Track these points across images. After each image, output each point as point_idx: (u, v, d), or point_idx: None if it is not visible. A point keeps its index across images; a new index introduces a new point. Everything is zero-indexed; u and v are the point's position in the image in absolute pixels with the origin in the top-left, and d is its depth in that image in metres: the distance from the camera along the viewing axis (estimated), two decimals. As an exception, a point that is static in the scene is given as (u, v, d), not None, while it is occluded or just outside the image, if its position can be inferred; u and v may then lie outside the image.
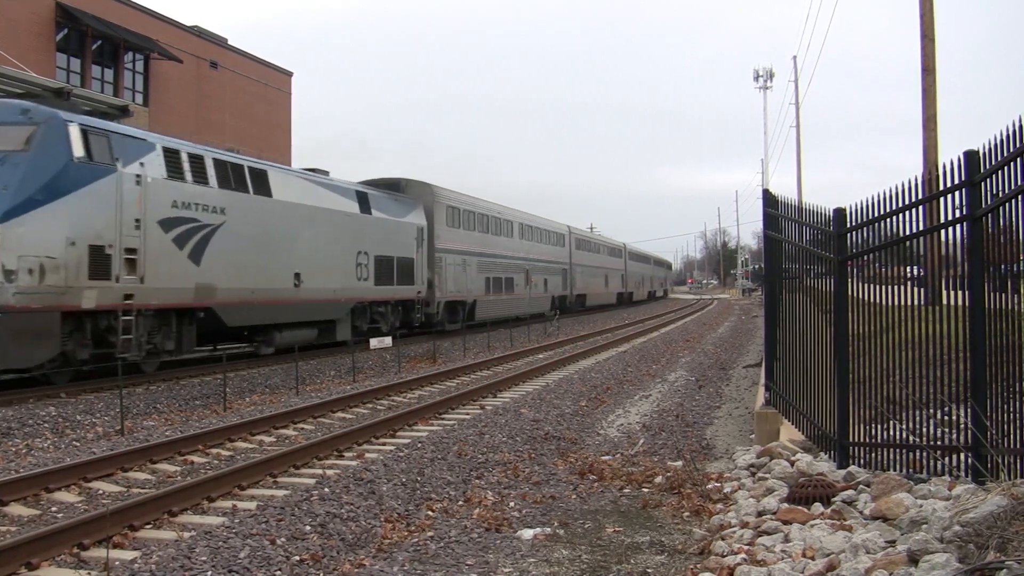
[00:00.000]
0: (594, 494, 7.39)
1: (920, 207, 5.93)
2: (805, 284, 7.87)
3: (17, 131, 12.35)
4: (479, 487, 7.64)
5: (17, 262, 11.80)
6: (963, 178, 5.39)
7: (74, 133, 12.78)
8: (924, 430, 5.90)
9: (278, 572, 5.33)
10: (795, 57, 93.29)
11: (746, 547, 4.99)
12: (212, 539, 5.84)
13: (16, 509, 6.93)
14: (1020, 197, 4.82)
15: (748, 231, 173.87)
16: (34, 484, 7.39)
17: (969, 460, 5.25)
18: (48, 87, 15.90)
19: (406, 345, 21.86)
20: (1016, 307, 4.96)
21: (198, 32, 31.32)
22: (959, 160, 5.43)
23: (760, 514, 5.73)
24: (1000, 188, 5.04)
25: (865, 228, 6.52)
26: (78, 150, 12.76)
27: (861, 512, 5.24)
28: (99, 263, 13.05)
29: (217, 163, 16.18)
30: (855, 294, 6.62)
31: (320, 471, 8.27)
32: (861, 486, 5.71)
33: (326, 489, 7.26)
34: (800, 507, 5.51)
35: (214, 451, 9.41)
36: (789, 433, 8.18)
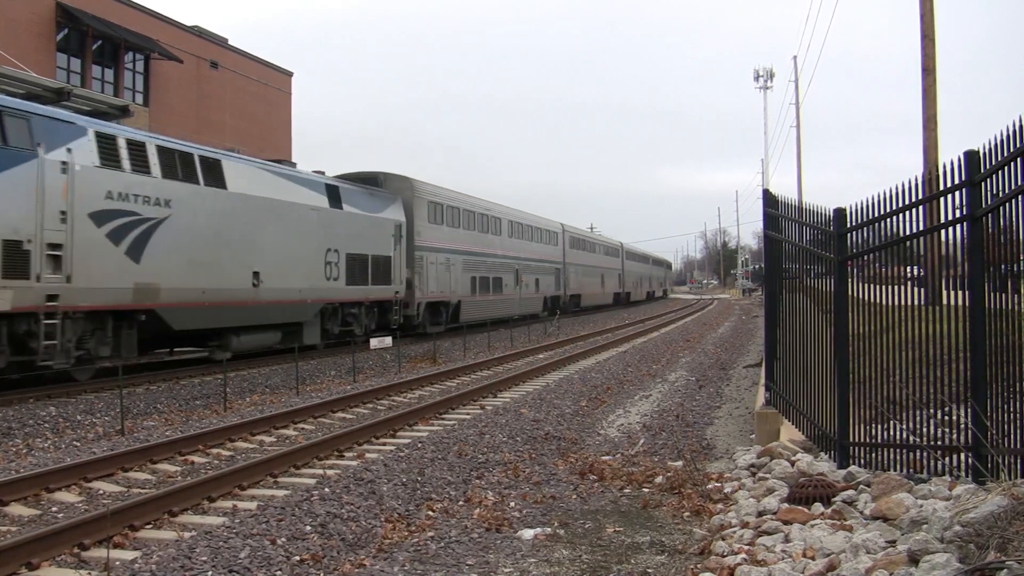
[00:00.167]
0: (594, 494, 7.39)
1: (920, 207, 5.93)
2: (805, 284, 7.87)
3: None
4: (479, 487, 7.64)
5: None
6: (963, 178, 5.39)
7: None
8: (924, 430, 5.90)
9: (278, 572, 5.33)
10: (795, 57, 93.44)
11: (746, 547, 4.99)
12: (212, 539, 5.84)
13: (16, 509, 6.93)
14: (1020, 197, 4.82)
15: (748, 231, 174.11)
16: (34, 484, 7.39)
17: (969, 460, 5.25)
18: (48, 87, 15.85)
19: (406, 345, 21.86)
20: (1016, 307, 4.96)
21: (198, 32, 31.32)
22: (959, 160, 5.43)
23: (760, 514, 5.73)
24: (1000, 188, 5.04)
25: (865, 228, 6.52)
26: None
27: (861, 512, 5.24)
28: (15, 260, 11.72)
29: (162, 151, 14.75)
30: (855, 294, 6.62)
31: (320, 471, 8.27)
32: (861, 486, 5.71)
33: (326, 489, 7.26)
34: (800, 507, 5.51)
35: (214, 451, 9.41)
36: (789, 433, 8.18)
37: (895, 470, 5.86)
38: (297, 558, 5.58)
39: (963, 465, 5.39)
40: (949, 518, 4.12)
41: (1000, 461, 4.91)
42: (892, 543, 4.39)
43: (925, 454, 5.77)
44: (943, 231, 5.85)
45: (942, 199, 5.65)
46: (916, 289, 6.24)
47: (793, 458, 7.09)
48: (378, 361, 19.30)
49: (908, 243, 6.24)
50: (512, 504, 7.01)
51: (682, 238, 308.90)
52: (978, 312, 5.34)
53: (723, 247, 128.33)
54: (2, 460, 8.80)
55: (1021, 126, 4.72)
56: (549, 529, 6.21)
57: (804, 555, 4.64)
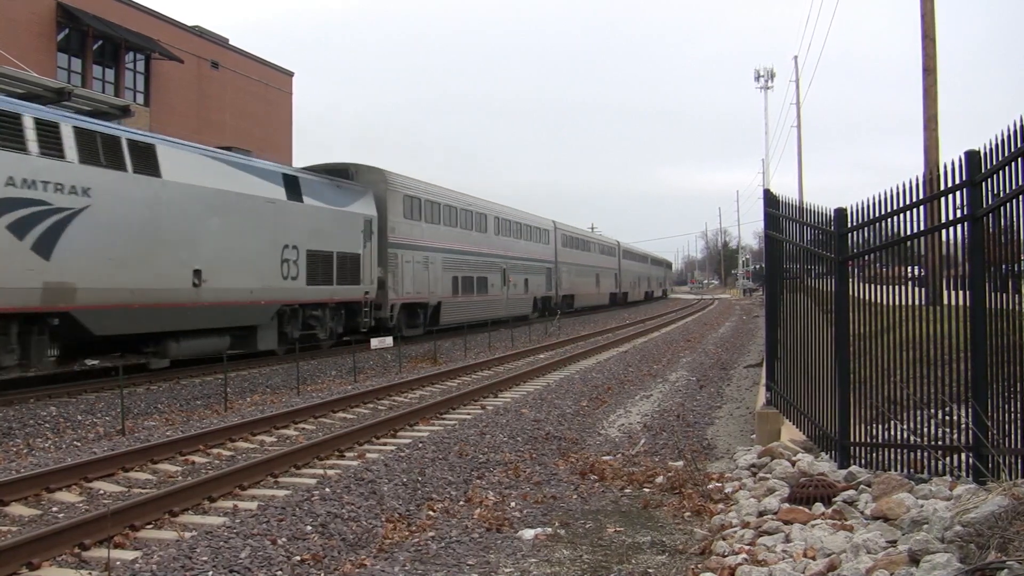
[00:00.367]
0: (595, 494, 7.39)
1: (921, 207, 5.93)
2: (806, 284, 7.87)
3: None
4: (480, 487, 7.64)
5: None
6: (964, 178, 5.39)
7: None
8: (925, 430, 5.90)
9: (279, 572, 5.33)
10: (796, 57, 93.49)
11: (747, 547, 4.99)
12: (213, 539, 5.84)
13: (17, 509, 6.93)
14: (1021, 197, 4.82)
15: (749, 231, 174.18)
16: (35, 484, 7.39)
17: (970, 460, 5.25)
18: (49, 87, 15.84)
19: (407, 345, 21.87)
20: (1017, 307, 4.96)
21: (199, 32, 31.34)
22: (960, 160, 5.43)
23: (761, 514, 5.73)
24: (1001, 188, 5.04)
25: (866, 228, 6.52)
26: None
27: (862, 512, 5.24)
28: None
29: (80, 132, 12.94)
30: (856, 294, 6.62)
31: (321, 471, 8.27)
32: (862, 486, 5.71)
33: (327, 489, 7.26)
34: (801, 507, 5.51)
35: (215, 451, 9.42)
36: (790, 433, 8.19)
37: (896, 470, 5.85)
38: (298, 558, 5.59)
39: (964, 465, 5.39)
40: (950, 518, 4.12)
41: (1001, 461, 4.91)
42: (893, 543, 4.39)
43: (926, 454, 5.77)
44: (944, 231, 5.85)
45: (943, 199, 5.65)
46: (917, 289, 6.24)
47: (794, 458, 7.09)
48: (379, 361, 19.33)
49: (909, 243, 6.24)
50: (513, 504, 7.01)
51: (683, 238, 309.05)
52: (979, 312, 5.34)
53: (724, 247, 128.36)
54: (2, 460, 8.81)
55: (1021, 126, 4.72)
56: (550, 529, 6.22)
57: (805, 555, 4.64)
